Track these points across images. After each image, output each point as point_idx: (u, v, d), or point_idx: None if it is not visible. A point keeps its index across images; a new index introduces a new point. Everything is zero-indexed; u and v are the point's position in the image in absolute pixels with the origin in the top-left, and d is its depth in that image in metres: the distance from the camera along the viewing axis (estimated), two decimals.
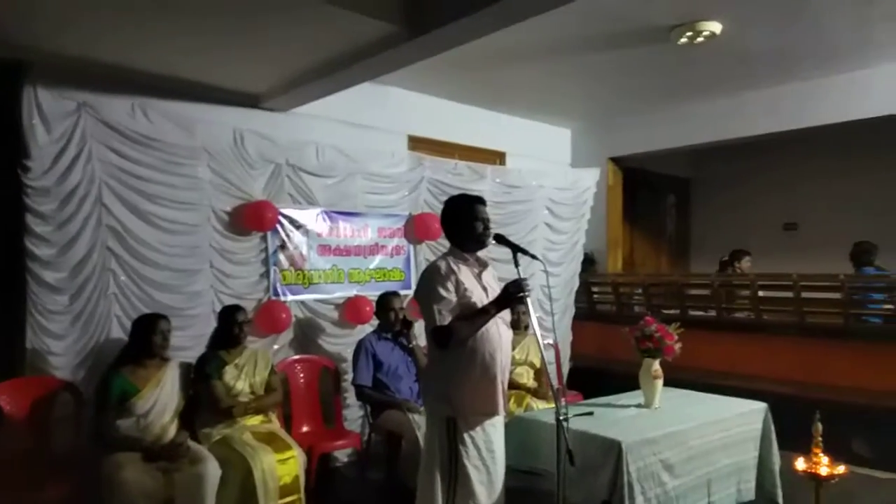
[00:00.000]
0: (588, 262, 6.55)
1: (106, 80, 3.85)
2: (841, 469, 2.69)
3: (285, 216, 4.42)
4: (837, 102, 5.20)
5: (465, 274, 2.69)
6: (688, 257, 8.56)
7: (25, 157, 3.36)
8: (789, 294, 5.13)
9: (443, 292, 2.59)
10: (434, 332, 2.62)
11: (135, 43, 3.53)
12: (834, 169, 6.99)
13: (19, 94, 3.35)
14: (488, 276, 2.81)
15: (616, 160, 6.84)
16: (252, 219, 4.22)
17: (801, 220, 7.48)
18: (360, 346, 4.16)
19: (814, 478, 2.70)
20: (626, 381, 3.73)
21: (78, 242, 3.56)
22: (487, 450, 2.64)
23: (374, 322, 4.47)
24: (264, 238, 4.33)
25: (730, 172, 7.88)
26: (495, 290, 2.78)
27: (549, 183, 5.92)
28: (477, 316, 2.59)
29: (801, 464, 2.74)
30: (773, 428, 3.52)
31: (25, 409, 3.33)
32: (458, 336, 2.57)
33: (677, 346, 3.44)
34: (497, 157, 6.26)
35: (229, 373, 3.65)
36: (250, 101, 4.50)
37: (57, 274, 3.49)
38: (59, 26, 3.29)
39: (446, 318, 2.58)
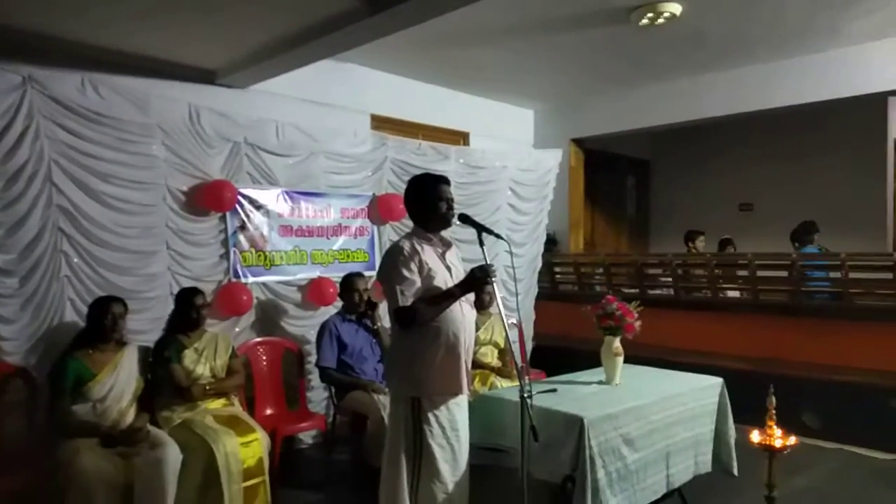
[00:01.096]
0: (550, 243, 6.62)
1: (54, 53, 3.70)
2: (792, 440, 2.79)
3: (245, 196, 4.33)
4: (794, 85, 5.33)
5: (429, 254, 2.68)
6: (647, 237, 8.72)
7: None
8: (744, 273, 5.28)
9: (406, 273, 2.58)
10: (396, 313, 2.62)
11: (83, 14, 3.39)
12: (788, 151, 7.18)
13: None
14: (452, 255, 2.80)
15: (578, 141, 6.90)
16: (210, 198, 4.12)
17: (756, 201, 7.68)
18: (323, 328, 4.13)
19: (768, 449, 2.79)
20: (588, 358, 3.79)
21: (27, 223, 3.43)
22: (452, 429, 2.65)
23: (339, 303, 4.44)
24: (223, 218, 4.24)
25: (688, 154, 8.04)
26: (459, 269, 2.78)
27: (513, 164, 5.94)
28: (441, 298, 2.59)
29: (755, 436, 2.82)
30: (728, 402, 3.63)
31: None
32: (421, 317, 2.57)
33: (637, 324, 3.49)
34: (461, 138, 6.24)
35: (189, 357, 3.58)
36: (207, 77, 4.38)
37: (5, 256, 3.36)
38: None
39: (409, 299, 2.57)
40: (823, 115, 5.74)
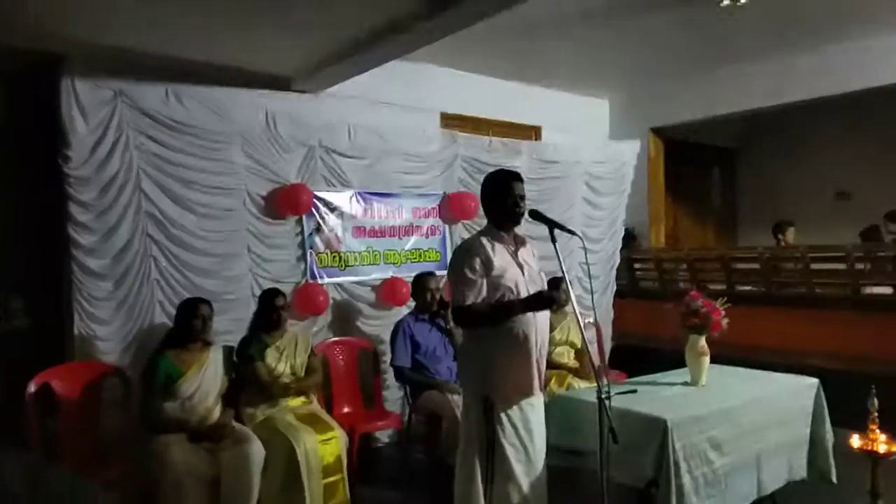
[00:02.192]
0: (629, 238, 6.41)
1: (140, 67, 3.90)
2: None
3: (320, 199, 4.42)
4: (892, 63, 4.91)
5: (499, 252, 2.65)
6: (735, 231, 8.30)
7: (65, 147, 3.43)
8: (842, 266, 4.92)
9: (468, 273, 2.58)
10: (454, 312, 2.68)
11: (165, 29, 3.55)
12: (889, 135, 6.64)
13: (58, 85, 3.41)
14: (526, 253, 2.75)
15: (657, 131, 6.64)
16: (287, 202, 4.23)
17: (854, 190, 7.15)
18: (397, 328, 4.16)
19: (870, 455, 2.58)
20: (672, 359, 3.63)
21: (119, 230, 3.63)
22: (525, 428, 2.60)
23: (411, 303, 4.46)
24: (300, 221, 4.35)
25: (778, 141, 7.58)
26: (533, 267, 2.73)
27: (587, 157, 5.78)
28: (501, 309, 2.58)
29: (856, 441, 2.62)
30: (825, 404, 3.39)
31: (77, 392, 3.43)
32: (476, 320, 2.60)
33: (724, 322, 3.32)
34: (532, 132, 6.14)
35: (270, 355, 3.69)
36: (282, 83, 4.50)
37: (100, 261, 3.57)
38: (93, 17, 3.33)
39: (468, 299, 2.58)
40: None
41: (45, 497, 1.82)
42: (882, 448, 2.56)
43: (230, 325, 3.97)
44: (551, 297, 2.57)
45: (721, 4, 4.05)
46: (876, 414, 2.63)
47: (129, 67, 3.85)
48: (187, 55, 3.95)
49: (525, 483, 2.58)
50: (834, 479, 3.33)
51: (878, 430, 2.59)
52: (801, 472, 3.27)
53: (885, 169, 6.68)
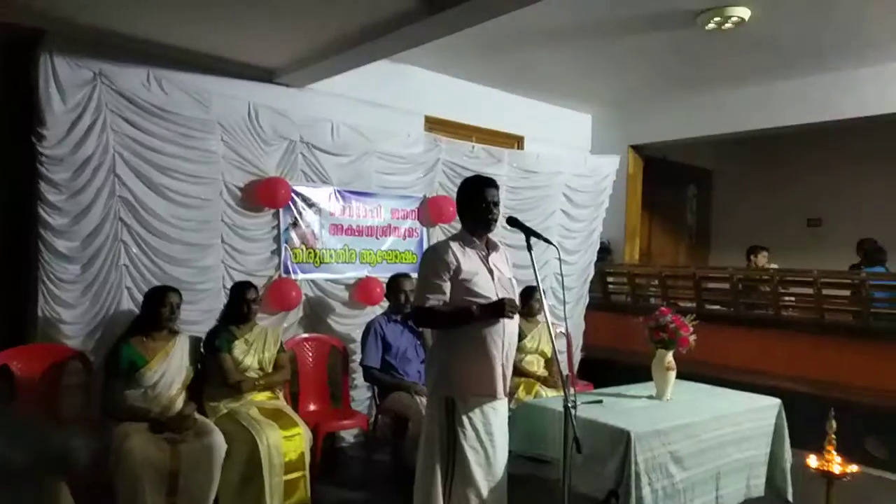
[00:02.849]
0: (604, 252, 6.47)
1: (122, 50, 3.84)
2: (854, 468, 2.62)
3: (298, 194, 4.39)
4: (869, 95, 5.04)
5: (470, 256, 2.67)
6: (707, 250, 8.42)
7: (40, 126, 3.36)
8: (809, 290, 5.02)
9: (431, 276, 2.63)
10: (413, 311, 2.76)
11: (150, 13, 3.51)
12: (862, 164, 6.81)
13: (36, 62, 3.34)
14: (497, 258, 2.77)
15: (637, 148, 6.73)
16: (265, 195, 4.19)
17: (825, 217, 7.31)
18: (369, 328, 4.14)
19: (826, 475, 2.63)
20: (639, 373, 3.67)
21: (91, 212, 3.56)
22: (486, 432, 2.61)
23: (385, 304, 4.45)
24: (276, 215, 4.31)
25: (754, 165, 7.73)
26: (504, 273, 2.75)
27: (568, 169, 5.83)
28: (460, 314, 2.60)
29: (813, 461, 2.67)
30: (785, 424, 3.45)
31: (37, 375, 3.35)
32: (434, 322, 2.69)
33: (692, 338, 3.37)
34: (515, 142, 6.18)
35: (238, 348, 3.65)
36: (266, 75, 4.47)
37: (69, 243, 3.50)
38: None
39: (428, 301, 2.62)
40: None
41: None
42: (837, 469, 2.61)
43: (199, 316, 3.92)
44: (505, 304, 2.58)
45: (706, 28, 4.12)
46: (833, 436, 2.68)
47: (111, 49, 3.79)
48: (171, 41, 3.90)
49: (484, 487, 2.59)
50: (790, 498, 3.39)
51: (834, 452, 2.64)
52: (758, 490, 3.32)
53: (856, 198, 6.85)
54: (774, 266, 5.94)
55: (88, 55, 3.58)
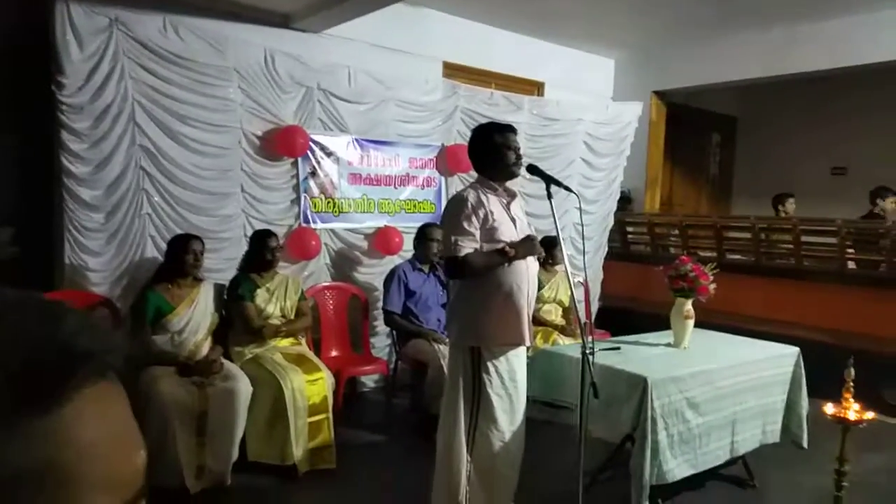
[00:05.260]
0: (624, 201, 6.40)
1: None
2: (870, 415, 2.63)
3: (316, 142, 4.37)
4: (893, 39, 4.84)
5: (494, 204, 2.63)
6: (729, 199, 8.31)
7: (59, 73, 3.36)
8: (833, 240, 4.95)
9: (465, 224, 2.56)
10: (447, 262, 2.65)
11: None
12: (886, 112, 6.59)
13: (52, 8, 3.31)
14: (516, 206, 2.75)
15: (660, 94, 6.57)
16: (283, 144, 4.18)
17: (850, 165, 7.14)
18: (392, 273, 4.18)
19: (841, 422, 2.64)
20: (657, 322, 3.68)
21: (112, 161, 3.59)
22: (511, 379, 2.64)
23: (404, 253, 4.47)
24: (295, 164, 4.31)
25: (779, 112, 7.52)
26: (523, 221, 2.73)
27: (589, 117, 5.72)
28: (494, 256, 2.57)
29: (829, 408, 2.68)
30: (803, 373, 3.45)
31: None
32: (471, 271, 2.57)
33: (712, 287, 3.35)
34: (535, 88, 6.06)
35: (261, 296, 3.70)
36: (282, 20, 4.39)
37: (92, 192, 3.54)
38: None
39: (461, 250, 2.55)
40: None
41: None
42: (852, 416, 2.61)
43: (221, 264, 3.97)
44: (533, 239, 2.60)
45: None
46: (851, 383, 2.67)
47: None
48: None
49: (508, 432, 2.64)
50: (805, 445, 3.42)
51: (851, 399, 2.65)
52: (774, 437, 3.35)
53: (881, 146, 6.67)
54: (794, 217, 5.83)
55: (104, 2, 3.53)
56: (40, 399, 0.39)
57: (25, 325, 0.41)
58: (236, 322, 3.65)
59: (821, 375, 3.41)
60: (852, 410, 2.61)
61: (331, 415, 3.55)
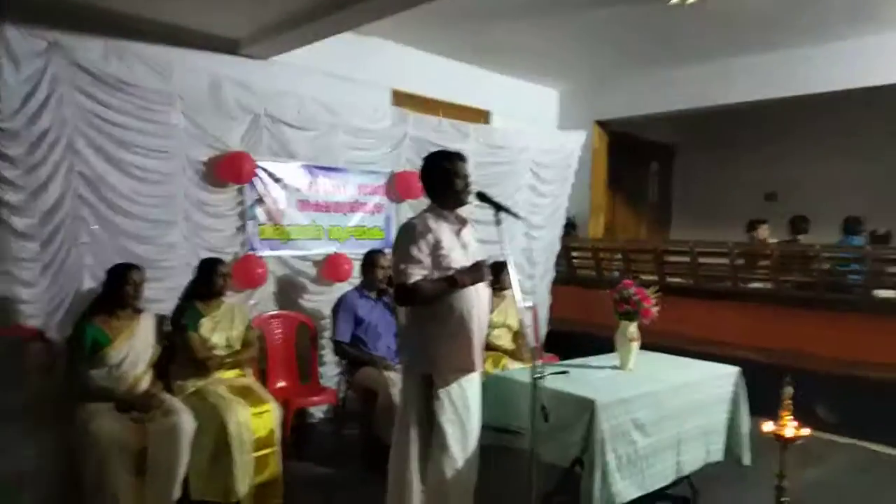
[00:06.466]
0: (569, 227, 6.55)
1: (78, 18, 3.70)
2: (806, 432, 2.74)
3: (263, 169, 4.32)
4: (828, 72, 5.19)
5: (445, 231, 2.66)
6: (668, 225, 8.60)
7: None
8: (767, 263, 5.19)
9: (414, 251, 2.58)
10: (396, 290, 2.65)
11: None
12: (816, 140, 7.01)
13: None
14: (467, 234, 2.78)
15: (602, 124, 6.80)
16: (229, 170, 4.12)
17: (781, 191, 7.52)
18: (341, 302, 4.14)
19: (779, 439, 2.75)
20: (603, 345, 3.75)
21: (49, 188, 3.44)
22: (464, 406, 2.65)
23: (353, 280, 4.44)
24: (241, 191, 4.24)
25: (714, 140, 7.89)
26: (474, 248, 2.76)
27: (535, 144, 5.85)
28: (442, 283, 2.58)
29: (768, 426, 2.79)
30: (743, 392, 3.58)
31: None
32: (420, 298, 2.58)
33: (655, 309, 3.45)
34: (482, 116, 6.18)
35: (205, 325, 3.60)
36: (229, 46, 4.36)
37: (27, 220, 3.37)
38: None
39: (410, 278, 2.57)
40: (854, 103, 5.57)
41: None
42: (789, 433, 2.73)
43: (163, 294, 3.84)
44: (482, 265, 2.62)
45: (669, 2, 4.16)
46: (789, 401, 2.79)
47: (67, 17, 3.65)
48: (130, 10, 3.77)
49: (461, 459, 2.63)
50: (747, 462, 3.53)
51: (788, 417, 2.76)
52: (717, 455, 3.45)
53: (810, 173, 7.05)
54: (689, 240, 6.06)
55: (42, 24, 3.44)
56: None
57: None
58: (179, 353, 3.54)
59: (760, 394, 3.54)
60: (790, 428, 2.72)
61: (279, 448, 3.46)
